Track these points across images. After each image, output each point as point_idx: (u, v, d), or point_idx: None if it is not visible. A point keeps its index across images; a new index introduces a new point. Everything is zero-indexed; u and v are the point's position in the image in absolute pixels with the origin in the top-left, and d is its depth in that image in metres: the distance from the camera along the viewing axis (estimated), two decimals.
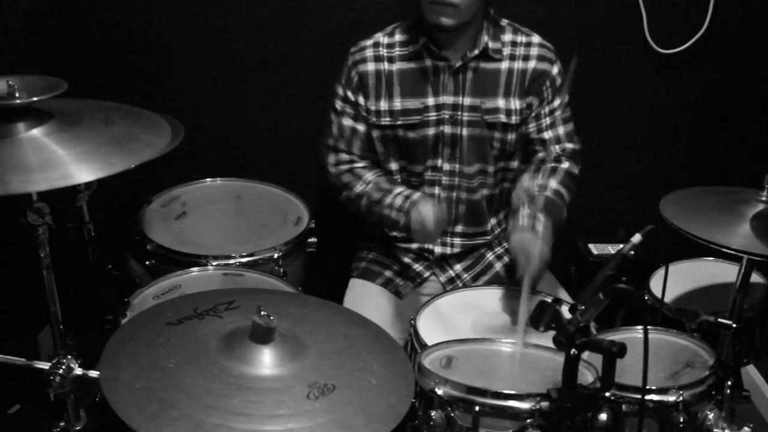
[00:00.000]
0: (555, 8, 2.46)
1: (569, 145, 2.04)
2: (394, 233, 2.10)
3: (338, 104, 2.03)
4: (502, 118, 1.98)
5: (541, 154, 2.02)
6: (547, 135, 2.03)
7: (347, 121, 2.02)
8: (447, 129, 1.99)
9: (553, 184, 1.95)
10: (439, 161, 2.02)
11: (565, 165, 2.01)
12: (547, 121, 2.02)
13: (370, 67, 1.99)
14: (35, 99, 1.43)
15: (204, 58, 2.52)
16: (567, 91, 2.01)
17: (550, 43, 2.02)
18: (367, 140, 2.04)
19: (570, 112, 2.05)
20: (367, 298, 2.06)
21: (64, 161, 1.38)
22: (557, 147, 2.02)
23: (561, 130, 2.03)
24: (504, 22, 2.02)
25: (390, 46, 2.00)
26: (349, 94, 2.01)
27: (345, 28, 2.44)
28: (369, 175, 2.03)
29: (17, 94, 1.42)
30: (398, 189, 1.97)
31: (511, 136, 2.01)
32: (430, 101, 1.98)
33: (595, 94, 2.58)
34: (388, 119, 1.99)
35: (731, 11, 2.46)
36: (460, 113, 1.98)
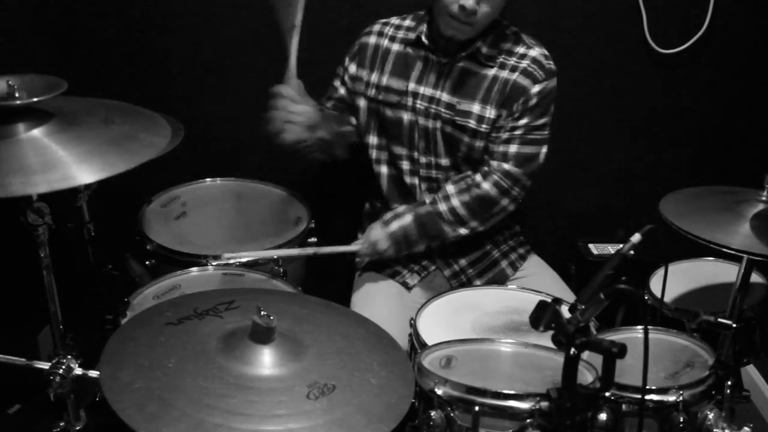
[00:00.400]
0: (555, 8, 2.46)
1: (508, 166, 1.95)
2: None
3: (339, 70, 2.14)
4: (472, 123, 1.96)
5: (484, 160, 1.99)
6: (497, 149, 1.96)
7: (336, 82, 2.14)
8: (421, 120, 2.01)
9: (455, 201, 1.97)
10: (416, 153, 2.05)
11: (485, 186, 1.96)
12: (505, 135, 1.95)
13: (372, 40, 2.07)
14: (35, 99, 1.42)
15: (204, 58, 2.52)
16: (547, 115, 1.95)
17: (551, 61, 1.97)
18: (338, 102, 2.13)
19: (540, 137, 1.97)
20: (377, 290, 2.07)
21: (65, 162, 1.37)
22: (495, 163, 1.96)
23: (514, 148, 1.95)
24: (510, 30, 2.00)
25: (397, 27, 2.06)
26: (347, 60, 2.11)
27: (345, 29, 2.43)
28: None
29: (17, 94, 1.41)
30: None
31: (479, 144, 1.98)
32: (411, 86, 2.01)
33: (595, 94, 2.58)
34: (374, 92, 2.05)
35: (731, 11, 2.46)
36: (435, 107, 2.00)
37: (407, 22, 2.06)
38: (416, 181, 2.07)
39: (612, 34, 2.51)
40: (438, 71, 1.99)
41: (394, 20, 2.09)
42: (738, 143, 2.66)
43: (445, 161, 2.04)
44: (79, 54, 2.50)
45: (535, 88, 1.93)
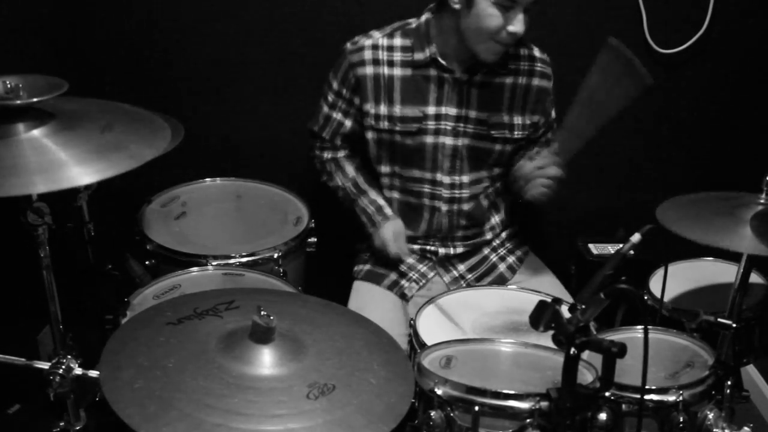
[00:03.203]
0: (555, 8, 2.46)
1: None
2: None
3: (330, 96, 2.05)
4: (507, 133, 2.00)
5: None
6: (542, 140, 2.12)
7: (336, 114, 2.06)
8: (448, 140, 1.99)
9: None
10: (439, 175, 2.03)
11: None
12: (543, 131, 2.11)
13: (369, 70, 1.96)
14: (35, 99, 1.42)
15: (204, 58, 2.52)
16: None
17: (546, 54, 2.06)
18: (351, 134, 2.09)
19: None
20: (372, 301, 2.05)
21: (63, 163, 1.37)
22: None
23: (550, 134, 2.12)
24: None
25: (390, 49, 1.96)
26: (345, 91, 2.02)
27: (344, 29, 2.43)
28: (350, 169, 2.13)
29: (20, 94, 1.41)
30: (372, 194, 2.08)
31: (510, 147, 2.04)
32: (431, 110, 1.97)
33: None
34: (386, 124, 1.98)
35: (731, 11, 2.46)
36: (463, 125, 1.98)
37: (398, 41, 1.96)
38: (437, 203, 2.05)
39: (612, 34, 2.51)
40: (459, 89, 1.96)
41: (381, 39, 1.97)
42: (738, 143, 2.66)
43: (467, 178, 2.04)
44: (80, 54, 2.50)
45: (551, 85, 2.05)
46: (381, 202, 2.07)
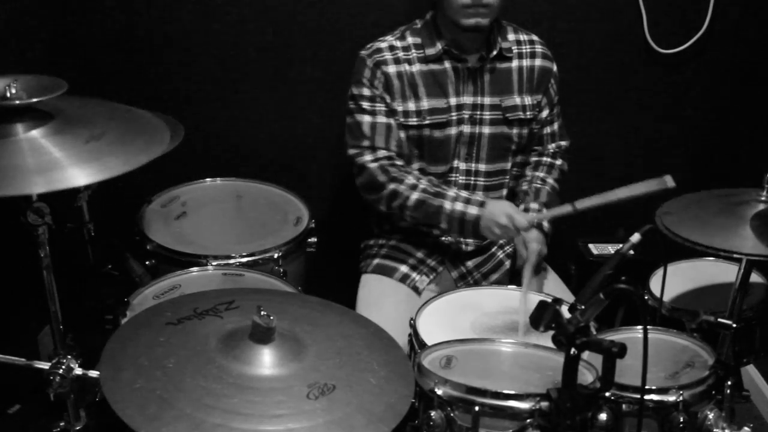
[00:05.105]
0: (555, 8, 2.46)
1: (563, 143, 2.19)
2: (435, 231, 2.09)
3: (366, 104, 1.98)
4: (520, 114, 2.05)
5: (538, 148, 2.17)
6: (547, 131, 2.15)
7: (381, 118, 1.98)
8: (466, 129, 2.02)
9: (550, 180, 2.14)
10: (456, 161, 2.05)
11: (559, 162, 2.18)
12: (548, 117, 2.13)
13: (392, 68, 1.98)
14: (34, 100, 1.42)
15: (205, 58, 2.52)
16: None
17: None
18: (400, 137, 2.00)
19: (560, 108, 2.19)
20: (385, 294, 2.06)
21: (62, 164, 1.37)
22: (553, 145, 2.17)
23: (556, 126, 2.17)
24: (503, 22, 2.07)
25: (405, 48, 2.00)
26: (377, 92, 1.98)
27: (346, 29, 2.44)
28: (415, 172, 2.00)
29: (16, 94, 1.41)
30: (452, 192, 1.95)
31: (526, 131, 2.08)
32: (452, 101, 2.01)
33: (595, 94, 2.58)
34: (415, 119, 2.00)
35: (731, 11, 2.46)
36: (479, 113, 2.02)
37: (410, 40, 2.01)
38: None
39: (612, 34, 2.51)
40: (473, 78, 2.00)
41: (394, 41, 2.01)
42: (738, 143, 2.66)
43: (483, 167, 2.06)
44: (79, 55, 2.50)
45: (555, 67, 2.12)
46: (463, 194, 1.95)
